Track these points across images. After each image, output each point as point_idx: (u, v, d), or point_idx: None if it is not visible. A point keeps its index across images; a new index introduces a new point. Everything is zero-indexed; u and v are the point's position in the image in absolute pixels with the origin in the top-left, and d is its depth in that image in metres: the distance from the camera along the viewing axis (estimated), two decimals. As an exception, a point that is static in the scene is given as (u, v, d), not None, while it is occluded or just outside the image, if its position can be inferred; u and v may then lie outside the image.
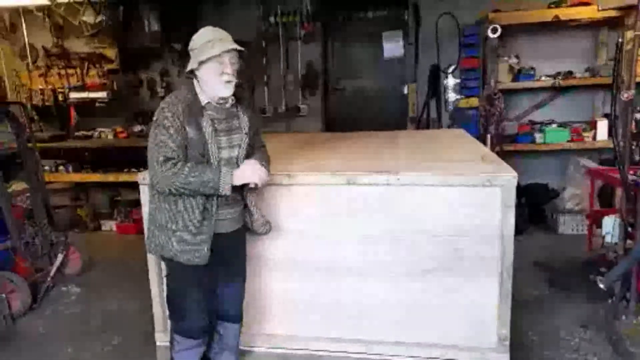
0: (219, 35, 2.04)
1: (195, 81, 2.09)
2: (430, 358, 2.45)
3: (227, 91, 2.06)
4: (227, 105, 2.12)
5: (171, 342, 2.27)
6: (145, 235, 2.22)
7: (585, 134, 4.85)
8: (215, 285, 2.26)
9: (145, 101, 5.85)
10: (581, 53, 5.05)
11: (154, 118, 2.03)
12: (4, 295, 3.42)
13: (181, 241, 2.05)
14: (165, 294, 2.34)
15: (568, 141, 4.87)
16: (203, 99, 2.07)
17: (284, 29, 5.51)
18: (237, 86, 2.10)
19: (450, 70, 5.12)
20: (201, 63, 2.00)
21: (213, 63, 2.00)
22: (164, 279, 2.32)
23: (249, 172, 2.06)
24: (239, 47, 2.05)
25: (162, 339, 2.71)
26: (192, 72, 2.06)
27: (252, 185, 2.09)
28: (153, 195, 2.13)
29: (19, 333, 3.32)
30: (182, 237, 2.05)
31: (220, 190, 1.98)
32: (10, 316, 3.41)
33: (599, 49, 5.00)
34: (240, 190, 2.16)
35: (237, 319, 2.39)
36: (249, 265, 2.44)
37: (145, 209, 2.47)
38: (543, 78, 4.93)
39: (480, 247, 2.30)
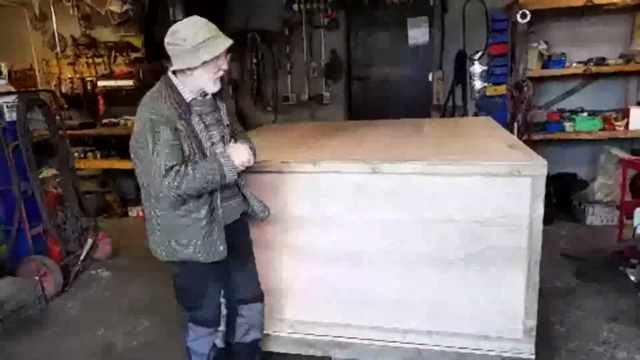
0: (214, 30, 1.93)
1: (174, 77, 1.98)
2: (455, 347, 2.45)
3: (217, 87, 2.01)
4: (208, 96, 2.06)
5: (186, 331, 2.28)
6: (149, 242, 2.14)
7: (617, 123, 4.68)
8: (231, 274, 2.28)
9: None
10: (614, 38, 4.86)
11: (141, 126, 1.91)
12: (37, 278, 3.55)
13: (193, 243, 2.02)
14: (176, 289, 2.28)
15: (599, 130, 4.72)
16: (188, 96, 1.98)
17: (308, 17, 5.48)
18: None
19: (477, 56, 5.02)
20: (204, 62, 1.90)
21: (213, 60, 1.92)
22: (175, 275, 2.26)
23: (241, 151, 2.01)
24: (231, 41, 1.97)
25: (189, 322, 2.77)
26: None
27: (248, 163, 2.03)
28: (155, 202, 2.03)
29: (52, 314, 3.45)
30: (193, 239, 2.02)
31: (227, 178, 1.96)
32: (44, 298, 3.54)
33: (634, 34, 4.81)
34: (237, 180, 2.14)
35: (259, 298, 2.40)
36: (272, 252, 2.47)
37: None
38: (574, 65, 4.77)
39: (508, 237, 2.27)
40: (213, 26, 1.96)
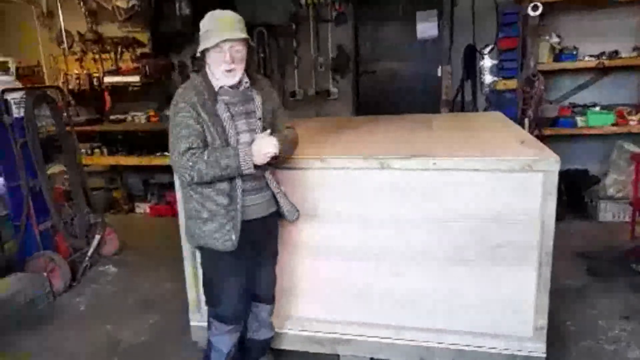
0: (218, 23, 1.97)
1: (207, 65, 2.07)
2: (464, 345, 2.41)
3: (229, 80, 2.02)
4: (242, 88, 2.08)
5: (209, 325, 2.32)
6: (184, 226, 2.25)
7: (630, 117, 4.61)
8: (249, 270, 2.27)
9: (177, 85, 5.83)
10: (628, 31, 4.76)
11: (171, 109, 2.03)
12: (45, 274, 3.56)
13: (210, 229, 2.07)
14: (201, 278, 2.38)
15: (612, 125, 4.65)
16: (216, 84, 2.04)
17: (315, 11, 5.43)
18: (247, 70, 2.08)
19: (487, 50, 4.94)
20: (202, 52, 2.01)
21: (213, 53, 1.98)
22: (200, 266, 2.35)
23: (265, 142, 2.00)
24: (235, 37, 1.96)
25: (196, 319, 2.76)
26: (202, 57, 2.06)
27: (271, 155, 2.00)
28: (181, 186, 2.15)
29: (59, 310, 3.46)
30: (210, 225, 2.06)
31: (242, 169, 1.96)
32: (51, 294, 3.56)
33: (648, 27, 4.72)
34: (264, 174, 2.14)
35: (270, 300, 2.42)
36: (283, 249, 2.45)
37: (179, 193, 2.50)
38: (586, 58, 4.69)
39: (519, 234, 2.23)
40: (223, 20, 1.99)
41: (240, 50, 2.01)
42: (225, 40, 1.95)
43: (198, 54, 2.03)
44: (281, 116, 2.26)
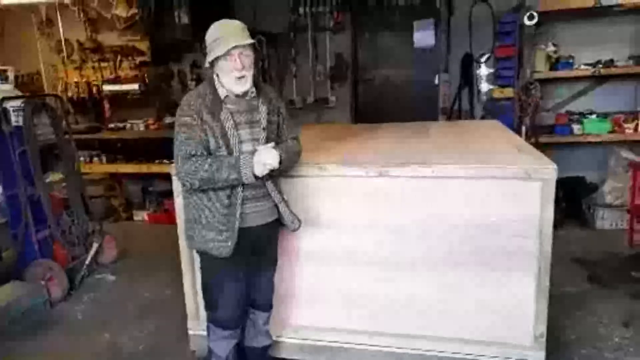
0: (225, 31, 2.01)
1: (215, 75, 2.09)
2: (463, 354, 2.41)
3: (241, 87, 2.04)
4: (247, 97, 2.10)
5: (207, 331, 2.32)
6: (184, 229, 2.27)
7: (626, 125, 4.63)
8: (248, 276, 2.27)
9: (176, 93, 5.91)
10: (624, 40, 4.80)
11: (176, 116, 2.07)
12: (43, 282, 3.55)
13: (207, 235, 2.09)
14: (200, 283, 2.39)
15: (608, 132, 4.67)
16: (222, 92, 2.07)
17: (313, 20, 5.47)
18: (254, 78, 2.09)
19: (484, 59, 4.97)
20: (211, 62, 2.04)
21: (223, 61, 2.01)
22: (199, 270, 2.35)
23: (266, 155, 2.00)
24: (244, 42, 1.99)
25: (194, 327, 2.75)
26: (211, 66, 2.09)
27: (270, 167, 2.01)
28: (182, 191, 2.19)
29: (57, 319, 3.44)
30: (207, 231, 2.08)
31: (243, 178, 1.98)
32: (49, 302, 3.54)
33: (643, 35, 4.77)
34: (265, 183, 2.14)
35: (268, 307, 2.42)
36: (280, 256, 2.45)
37: (178, 201, 2.50)
38: (582, 67, 4.73)
39: (517, 242, 2.23)
40: (229, 27, 2.03)
41: (249, 55, 2.04)
42: (235, 47, 1.97)
43: (207, 65, 2.06)
44: (287, 127, 2.26)
